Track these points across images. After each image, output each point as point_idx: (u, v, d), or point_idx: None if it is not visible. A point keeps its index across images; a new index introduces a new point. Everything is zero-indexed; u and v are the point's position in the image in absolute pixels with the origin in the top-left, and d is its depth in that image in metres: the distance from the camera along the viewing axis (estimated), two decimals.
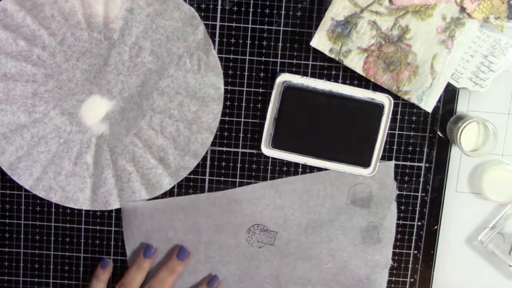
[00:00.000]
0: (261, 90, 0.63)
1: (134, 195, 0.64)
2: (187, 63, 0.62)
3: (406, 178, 0.64)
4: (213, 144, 0.64)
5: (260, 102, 0.64)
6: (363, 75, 0.60)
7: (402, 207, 0.65)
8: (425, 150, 0.64)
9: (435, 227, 0.65)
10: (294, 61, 0.63)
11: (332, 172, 0.64)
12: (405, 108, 0.63)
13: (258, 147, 0.63)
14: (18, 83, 0.62)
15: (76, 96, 0.62)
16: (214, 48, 0.62)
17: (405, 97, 0.61)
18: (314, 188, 0.64)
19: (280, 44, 0.62)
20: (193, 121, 0.63)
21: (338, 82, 0.63)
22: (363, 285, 0.66)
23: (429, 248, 0.66)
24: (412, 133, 0.64)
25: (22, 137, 0.62)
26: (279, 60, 0.63)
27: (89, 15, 0.60)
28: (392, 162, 0.64)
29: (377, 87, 0.62)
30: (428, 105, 0.61)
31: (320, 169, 0.64)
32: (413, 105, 0.63)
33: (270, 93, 0.62)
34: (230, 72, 0.63)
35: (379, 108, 0.61)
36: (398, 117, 0.63)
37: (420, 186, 0.64)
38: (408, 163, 0.64)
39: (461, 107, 0.63)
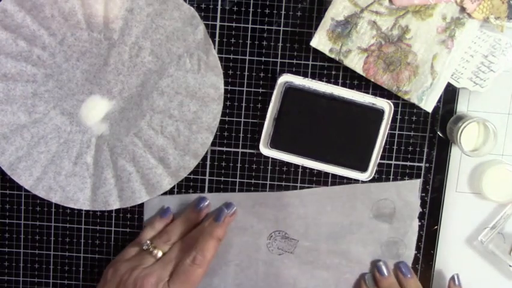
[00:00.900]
0: (261, 90, 0.63)
1: (134, 195, 0.64)
2: (187, 63, 0.62)
3: (406, 178, 0.64)
4: (213, 144, 0.64)
5: (260, 102, 0.64)
6: (363, 75, 0.60)
7: None
8: (425, 150, 0.64)
9: (435, 227, 0.65)
10: (294, 61, 0.63)
11: (358, 186, 0.64)
12: (405, 108, 0.63)
13: (258, 147, 0.63)
14: (18, 83, 0.62)
15: (76, 96, 0.62)
16: (214, 48, 0.62)
17: (405, 97, 0.61)
18: (339, 200, 0.64)
19: (280, 44, 0.62)
20: (193, 121, 0.63)
21: (338, 82, 0.63)
22: None
23: (429, 248, 0.66)
24: (412, 133, 0.64)
25: (22, 137, 0.62)
26: (279, 60, 0.63)
27: (89, 15, 0.60)
28: (418, 181, 0.64)
29: (377, 87, 0.62)
30: (428, 105, 0.61)
31: (319, 170, 0.64)
32: (413, 105, 0.63)
33: (270, 94, 0.62)
34: (230, 72, 0.63)
35: (379, 113, 0.61)
36: (398, 117, 0.63)
37: (420, 186, 0.64)
38: (408, 163, 0.64)
39: (461, 107, 0.63)
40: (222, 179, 0.65)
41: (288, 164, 0.65)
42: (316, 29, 0.60)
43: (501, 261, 0.65)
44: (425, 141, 0.64)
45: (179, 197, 0.65)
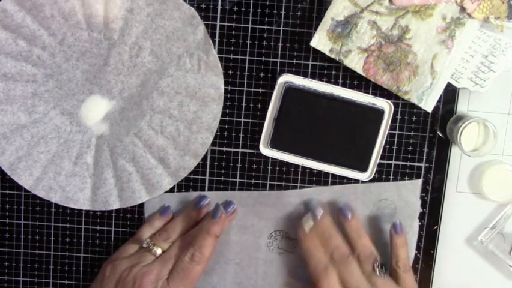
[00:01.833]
0: (261, 90, 0.63)
1: (134, 196, 0.64)
2: (187, 63, 0.62)
3: (406, 178, 0.64)
4: (213, 144, 0.64)
5: (260, 102, 0.64)
6: (363, 75, 0.60)
7: None
8: (425, 150, 0.64)
9: (435, 227, 0.65)
10: (294, 61, 0.63)
11: (359, 186, 0.64)
12: (405, 108, 0.63)
13: (258, 147, 0.63)
14: (18, 83, 0.62)
15: (76, 96, 0.63)
16: (214, 48, 0.62)
17: (405, 97, 0.61)
18: (340, 200, 0.64)
19: (280, 44, 0.62)
20: (193, 121, 0.63)
21: (338, 82, 0.63)
22: None
23: (429, 248, 0.66)
24: (412, 133, 0.64)
25: (22, 137, 0.62)
26: (279, 60, 0.63)
27: (89, 15, 0.60)
28: (419, 181, 0.64)
29: (377, 87, 0.62)
30: (428, 105, 0.61)
31: (319, 170, 0.64)
32: (413, 105, 0.63)
33: (270, 93, 0.62)
34: (230, 72, 0.63)
35: (379, 113, 0.61)
36: (398, 117, 0.63)
37: (420, 186, 0.64)
38: (408, 163, 0.64)
39: (461, 107, 0.63)
40: (222, 179, 0.65)
41: (288, 164, 0.65)
42: (316, 29, 0.60)
43: (501, 261, 0.65)
44: (425, 141, 0.64)
45: (179, 195, 0.65)
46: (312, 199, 0.64)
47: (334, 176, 0.64)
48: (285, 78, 0.61)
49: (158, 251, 0.61)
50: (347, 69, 0.62)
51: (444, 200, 0.65)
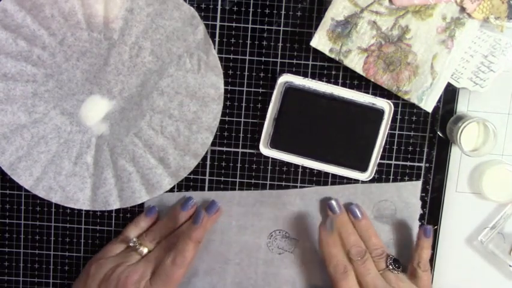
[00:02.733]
0: (261, 90, 0.63)
1: (134, 196, 0.64)
2: (187, 63, 0.62)
3: (406, 178, 0.64)
4: (213, 144, 0.64)
5: (260, 102, 0.64)
6: (363, 75, 0.60)
7: None
8: (425, 150, 0.64)
9: (435, 227, 0.65)
10: (294, 61, 0.63)
11: (359, 186, 0.64)
12: (405, 108, 0.63)
13: (258, 147, 0.63)
14: (18, 83, 0.62)
15: (76, 96, 0.63)
16: (214, 48, 0.62)
17: (405, 97, 0.61)
18: (340, 200, 0.64)
19: (280, 44, 0.62)
20: (193, 121, 0.63)
21: (338, 82, 0.63)
22: None
23: None
24: (412, 133, 0.64)
25: (22, 137, 0.62)
26: (279, 60, 0.63)
27: (89, 15, 0.60)
28: (419, 182, 0.64)
29: (377, 87, 0.62)
30: (428, 105, 0.61)
31: (319, 170, 0.64)
32: (413, 105, 0.63)
33: (270, 93, 0.62)
34: (230, 72, 0.63)
35: (379, 113, 0.61)
36: (398, 117, 0.63)
37: (420, 186, 0.64)
38: (408, 163, 0.64)
39: (461, 107, 0.63)
40: (222, 179, 0.65)
41: (288, 164, 0.65)
42: (316, 29, 0.60)
43: (501, 261, 0.65)
44: (425, 141, 0.64)
45: (179, 194, 0.65)
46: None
47: (334, 176, 0.64)
48: (285, 78, 0.61)
49: (145, 250, 0.62)
50: (347, 69, 0.62)
51: (444, 200, 0.65)
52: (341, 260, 0.60)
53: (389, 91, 0.61)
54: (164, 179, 0.64)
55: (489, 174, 0.63)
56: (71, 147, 0.63)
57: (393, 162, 0.64)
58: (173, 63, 0.62)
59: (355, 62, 0.60)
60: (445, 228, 0.65)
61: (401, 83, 0.60)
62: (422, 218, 0.65)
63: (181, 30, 0.61)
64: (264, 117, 0.63)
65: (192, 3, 0.61)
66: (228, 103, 0.64)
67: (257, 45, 0.63)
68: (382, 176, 0.64)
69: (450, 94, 0.63)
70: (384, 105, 0.61)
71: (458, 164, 0.64)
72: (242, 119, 0.64)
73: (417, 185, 0.64)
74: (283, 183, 0.65)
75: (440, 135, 0.64)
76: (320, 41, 0.60)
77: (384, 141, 0.62)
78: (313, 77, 0.63)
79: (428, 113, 0.63)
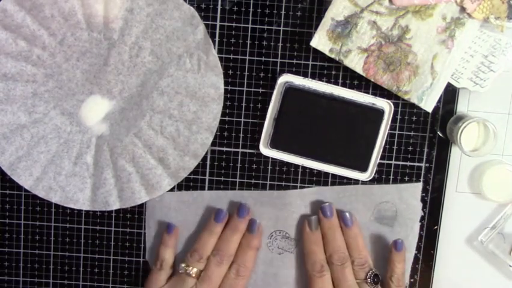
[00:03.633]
0: (261, 90, 0.63)
1: (134, 196, 0.64)
2: (187, 63, 0.62)
3: (406, 178, 0.64)
4: (213, 144, 0.64)
5: (260, 102, 0.64)
6: (363, 75, 0.60)
7: None
8: (425, 150, 0.64)
9: (435, 227, 0.65)
10: (294, 61, 0.63)
11: (360, 187, 0.64)
12: (405, 108, 0.63)
13: (258, 147, 0.63)
14: (18, 83, 0.62)
15: (76, 96, 0.63)
16: (214, 48, 0.62)
17: (405, 97, 0.61)
18: (341, 201, 0.64)
19: (280, 44, 0.62)
20: (193, 121, 0.63)
21: (338, 82, 0.63)
22: None
23: (429, 248, 0.66)
24: (412, 133, 0.64)
25: (22, 137, 0.62)
26: (279, 60, 0.63)
27: (89, 15, 0.60)
28: (420, 184, 0.64)
29: (377, 87, 0.62)
30: (428, 105, 0.61)
31: (319, 170, 0.64)
32: (413, 105, 0.63)
33: (270, 93, 0.62)
34: (230, 72, 0.63)
35: (379, 113, 0.61)
36: (398, 117, 0.63)
37: (420, 187, 0.64)
38: (408, 163, 0.64)
39: (461, 107, 0.63)
40: (222, 179, 0.65)
41: (288, 164, 0.65)
42: (316, 29, 0.60)
43: (501, 261, 0.65)
44: (425, 141, 0.64)
45: (178, 194, 0.65)
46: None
47: (334, 176, 0.64)
48: (285, 78, 0.61)
49: (195, 270, 0.62)
50: (347, 69, 0.61)
51: (445, 200, 0.65)
52: (320, 258, 0.62)
53: (389, 91, 0.61)
54: (164, 179, 0.64)
55: (489, 174, 0.63)
56: (71, 148, 0.63)
57: (393, 162, 0.64)
58: (173, 63, 0.62)
59: (355, 62, 0.60)
60: (445, 229, 0.65)
61: (401, 83, 0.60)
62: (422, 218, 0.65)
63: (181, 30, 0.61)
64: (264, 117, 0.63)
65: (192, 3, 0.61)
66: (228, 103, 0.64)
67: (257, 45, 0.63)
68: (382, 176, 0.64)
69: (450, 94, 0.63)
70: (384, 105, 0.61)
71: (458, 164, 0.64)
72: (242, 119, 0.64)
73: (418, 186, 0.64)
74: (284, 184, 0.65)
75: (440, 135, 0.64)
76: (320, 41, 0.60)
77: (384, 141, 0.62)
78: (313, 77, 0.63)
79: (428, 113, 0.63)
